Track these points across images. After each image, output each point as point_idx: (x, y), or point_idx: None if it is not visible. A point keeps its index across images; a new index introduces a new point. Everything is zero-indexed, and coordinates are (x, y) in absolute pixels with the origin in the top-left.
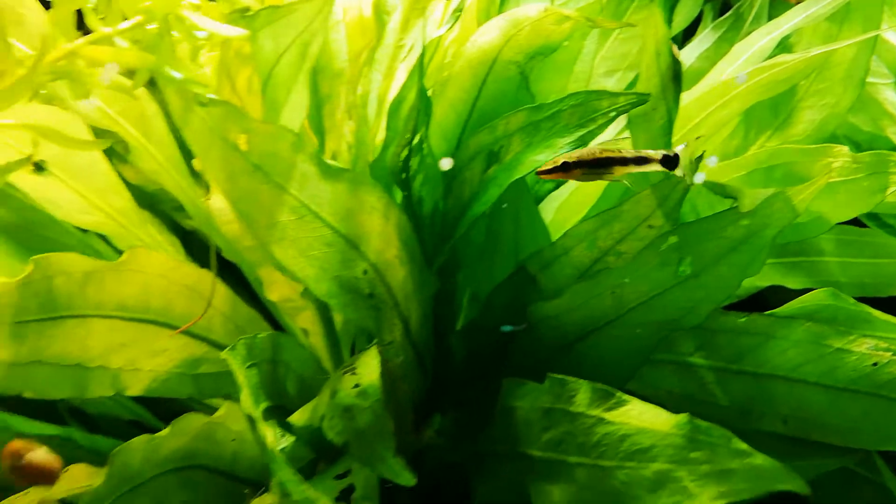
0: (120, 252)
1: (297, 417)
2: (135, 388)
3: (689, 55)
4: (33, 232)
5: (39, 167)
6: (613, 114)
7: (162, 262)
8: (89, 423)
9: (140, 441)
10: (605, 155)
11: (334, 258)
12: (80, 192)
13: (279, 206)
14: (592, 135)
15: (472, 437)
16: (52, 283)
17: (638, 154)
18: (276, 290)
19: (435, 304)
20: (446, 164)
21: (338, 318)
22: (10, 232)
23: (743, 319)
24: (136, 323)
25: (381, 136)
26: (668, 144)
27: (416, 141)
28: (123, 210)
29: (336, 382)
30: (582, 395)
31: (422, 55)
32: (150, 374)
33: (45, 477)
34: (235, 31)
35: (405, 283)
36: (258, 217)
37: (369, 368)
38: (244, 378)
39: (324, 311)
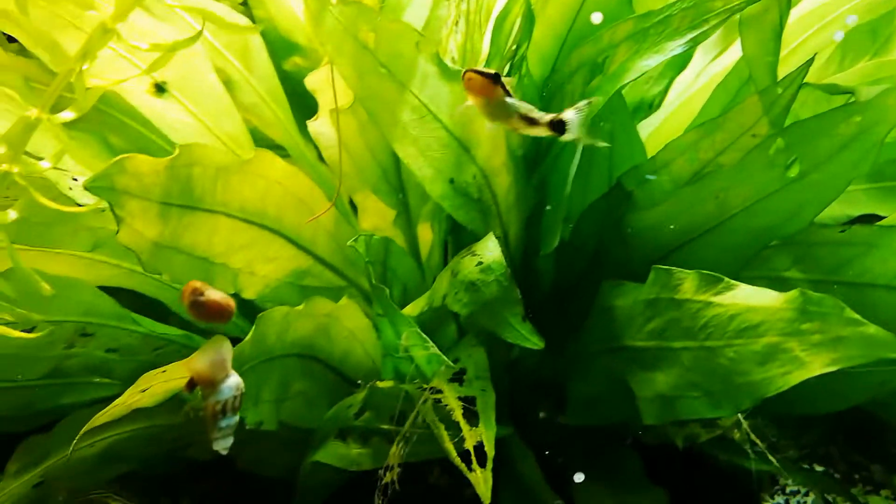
0: None
1: (411, 309)
2: (250, 291)
3: None
4: None
5: (160, 88)
6: (726, 15)
7: (282, 168)
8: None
9: (278, 312)
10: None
11: (449, 159)
12: (195, 115)
13: (402, 104)
14: (705, 35)
15: (563, 341)
16: (191, 172)
17: (528, 114)
18: (368, 219)
19: (527, 223)
20: None
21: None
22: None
23: (842, 231)
24: (254, 227)
25: (484, 51)
26: (777, 50)
27: (517, 58)
28: (234, 136)
29: (455, 265)
30: (689, 283)
31: None
32: (263, 279)
33: (221, 314)
34: None
35: (508, 192)
36: (383, 115)
37: (489, 249)
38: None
39: (412, 242)
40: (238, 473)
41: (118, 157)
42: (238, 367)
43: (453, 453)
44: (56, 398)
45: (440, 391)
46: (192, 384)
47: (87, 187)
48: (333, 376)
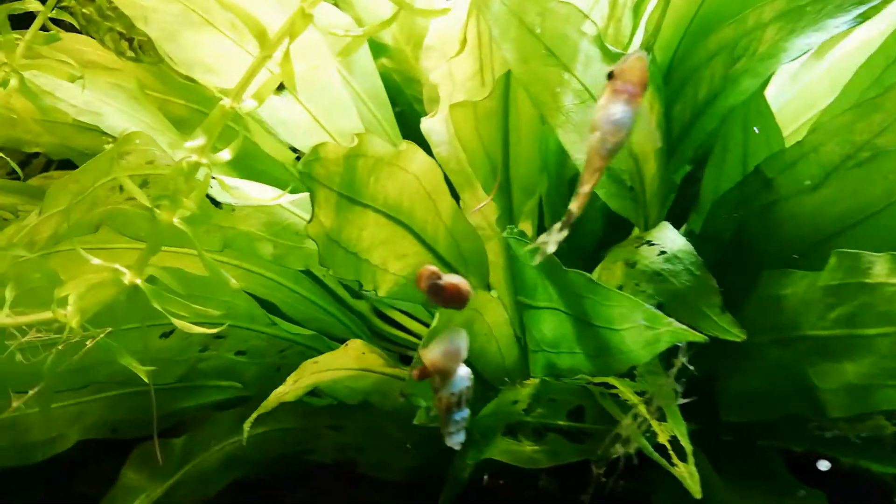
0: None
1: None
2: (382, 289)
3: None
4: (244, 163)
5: (281, 86)
6: None
7: (423, 161)
8: None
9: None
10: None
11: None
12: (309, 111)
13: (564, 89)
14: (876, 10)
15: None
16: (356, 163)
17: None
18: (473, 216)
19: (664, 212)
20: None
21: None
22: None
23: None
24: (392, 222)
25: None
26: None
27: (646, 44)
28: (345, 131)
29: (625, 255)
30: (881, 265)
31: None
32: (394, 277)
33: (459, 298)
34: None
35: (653, 180)
36: (546, 100)
37: (670, 238)
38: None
39: (507, 246)
40: (357, 476)
41: (316, 144)
42: None
43: (649, 448)
44: (175, 402)
45: (614, 386)
46: (423, 373)
47: (300, 171)
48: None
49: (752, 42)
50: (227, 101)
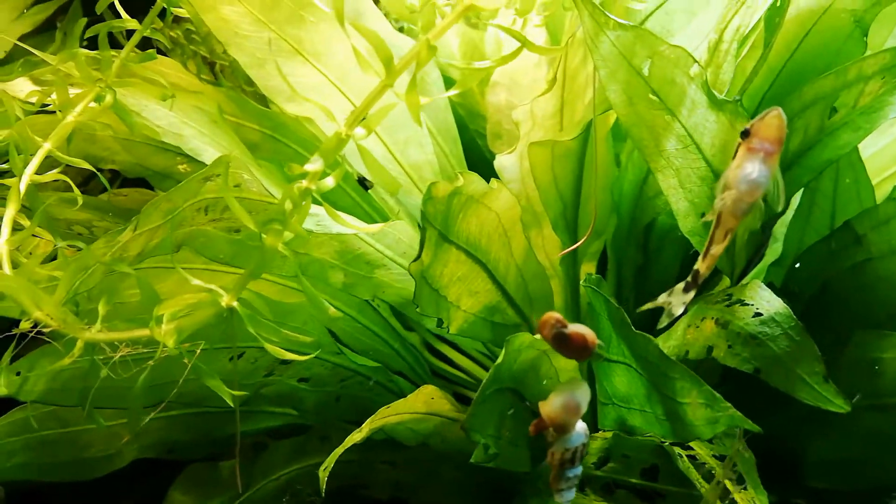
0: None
1: None
2: (454, 326)
3: None
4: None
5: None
6: None
7: (505, 199)
8: None
9: (522, 338)
10: None
11: (704, 193)
12: (385, 144)
13: (668, 133)
14: None
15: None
16: (452, 202)
17: None
18: (540, 255)
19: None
20: None
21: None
22: None
23: None
24: (470, 260)
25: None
26: None
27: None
28: (418, 166)
29: (715, 313)
30: None
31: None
32: (464, 314)
33: (585, 348)
34: None
35: (745, 231)
36: (648, 143)
37: (765, 298)
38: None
39: (573, 283)
40: None
41: (431, 183)
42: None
43: None
44: (232, 426)
45: (690, 447)
46: (540, 426)
47: (423, 213)
48: (529, 416)
49: (853, 94)
50: (342, 129)
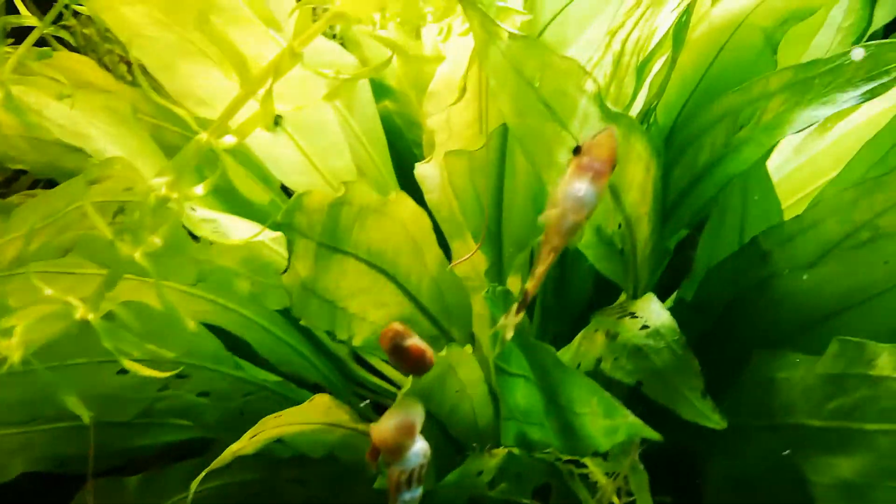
0: None
1: None
2: (358, 338)
3: None
4: (232, 194)
5: (275, 122)
6: None
7: (411, 210)
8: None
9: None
10: None
11: (599, 209)
12: (303, 151)
13: (559, 145)
14: (885, 87)
15: None
16: (341, 211)
17: None
18: (461, 266)
19: (655, 277)
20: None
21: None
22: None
23: None
24: (374, 270)
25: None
26: None
27: (649, 106)
28: (338, 172)
29: (608, 325)
30: (886, 358)
31: (685, 14)
32: (371, 325)
33: (421, 364)
34: None
35: (646, 244)
36: (540, 156)
37: (654, 311)
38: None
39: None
40: None
41: (298, 193)
42: None
43: None
44: (130, 440)
45: (583, 465)
46: (375, 452)
47: (277, 225)
48: (438, 433)
49: (756, 111)
50: (203, 136)
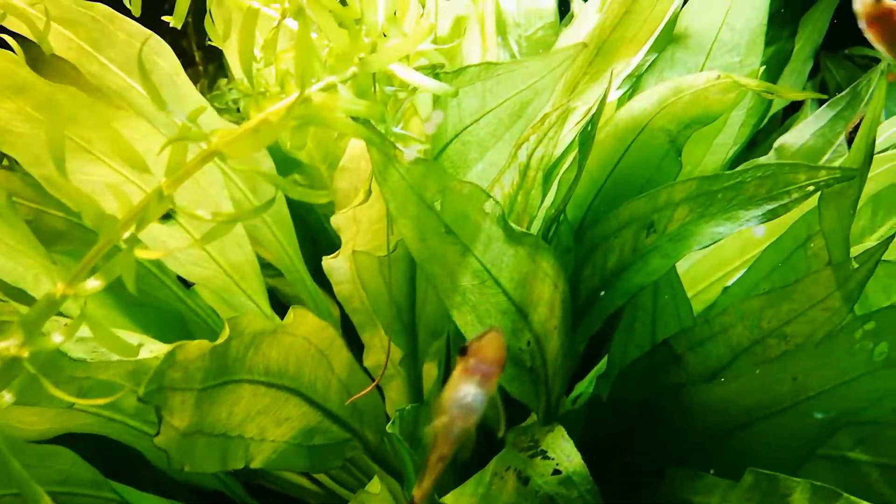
0: (214, 310)
1: (455, 500)
2: (258, 460)
3: (803, 133)
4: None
5: (168, 215)
6: (811, 188)
7: (312, 324)
8: (172, 490)
9: None
10: None
11: (507, 328)
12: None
13: (463, 269)
14: (786, 208)
15: None
16: (229, 346)
17: None
18: (372, 356)
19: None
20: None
21: (426, 388)
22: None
23: None
24: (273, 389)
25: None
26: (851, 224)
27: (557, 211)
28: (238, 265)
29: (518, 463)
30: (799, 494)
31: (591, 121)
32: (272, 444)
33: None
34: (441, 87)
35: (557, 356)
36: (443, 279)
37: (566, 453)
38: (409, 461)
39: (415, 383)
40: None
41: (170, 348)
42: None
43: None
44: None
45: None
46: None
47: (142, 398)
48: None
49: (662, 219)
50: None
